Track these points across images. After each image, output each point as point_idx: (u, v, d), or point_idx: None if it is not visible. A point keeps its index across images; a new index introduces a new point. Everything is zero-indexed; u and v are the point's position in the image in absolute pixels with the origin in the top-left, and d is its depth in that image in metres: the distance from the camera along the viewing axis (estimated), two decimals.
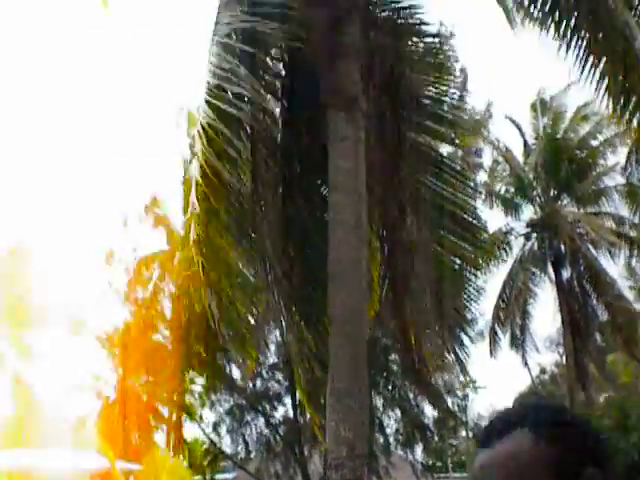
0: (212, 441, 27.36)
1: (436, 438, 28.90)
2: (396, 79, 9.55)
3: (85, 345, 24.44)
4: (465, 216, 9.94)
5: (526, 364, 25.06)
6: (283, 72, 8.81)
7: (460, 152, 18.74)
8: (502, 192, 25.60)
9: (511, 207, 25.29)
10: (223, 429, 27.11)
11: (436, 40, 10.30)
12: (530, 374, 28.45)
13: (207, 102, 7.91)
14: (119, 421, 23.52)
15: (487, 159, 25.80)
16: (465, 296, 10.14)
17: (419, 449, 27.70)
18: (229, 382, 25.46)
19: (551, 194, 25.42)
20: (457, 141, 11.36)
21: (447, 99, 10.33)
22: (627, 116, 8.81)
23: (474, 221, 10.22)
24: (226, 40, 7.98)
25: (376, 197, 9.49)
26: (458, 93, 24.93)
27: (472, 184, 11.23)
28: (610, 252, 23.68)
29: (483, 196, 24.51)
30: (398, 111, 9.61)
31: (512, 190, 25.54)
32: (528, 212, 25.55)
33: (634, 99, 8.57)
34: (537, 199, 25.50)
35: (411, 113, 9.80)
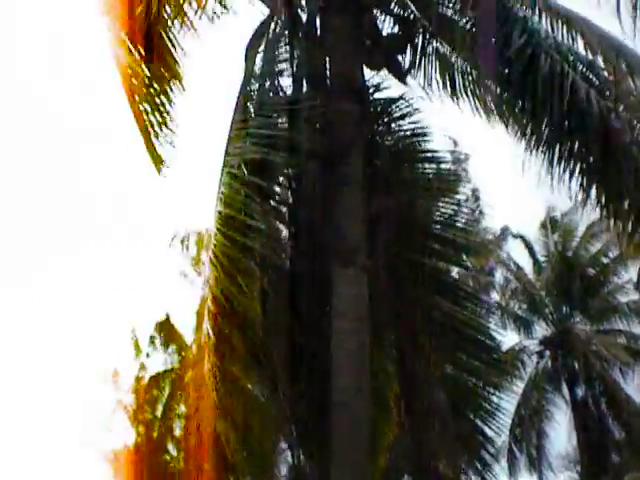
0: None
1: None
2: (402, 205, 9.64)
3: (93, 464, 24.13)
4: (479, 336, 9.91)
5: None
6: (290, 199, 8.95)
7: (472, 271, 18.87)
8: (514, 310, 25.58)
9: (524, 325, 25.25)
10: None
11: (444, 166, 10.41)
12: None
13: (219, 230, 8.08)
14: None
15: (499, 276, 25.85)
16: (483, 415, 10.04)
17: None
18: None
19: (563, 311, 25.40)
20: (468, 264, 11.34)
21: (457, 222, 10.41)
22: (637, 238, 8.85)
23: (488, 341, 10.20)
24: (236, 171, 8.20)
25: (388, 321, 9.52)
26: (470, 216, 25.22)
27: (484, 304, 11.25)
28: (621, 370, 23.52)
29: (496, 315, 24.55)
30: (405, 237, 9.67)
31: (524, 308, 25.53)
32: (541, 330, 25.50)
33: None
34: (549, 317, 25.47)
35: (419, 238, 9.86)
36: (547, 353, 25.11)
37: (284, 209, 8.97)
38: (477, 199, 26.08)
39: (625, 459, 25.98)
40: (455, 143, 14.30)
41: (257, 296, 8.22)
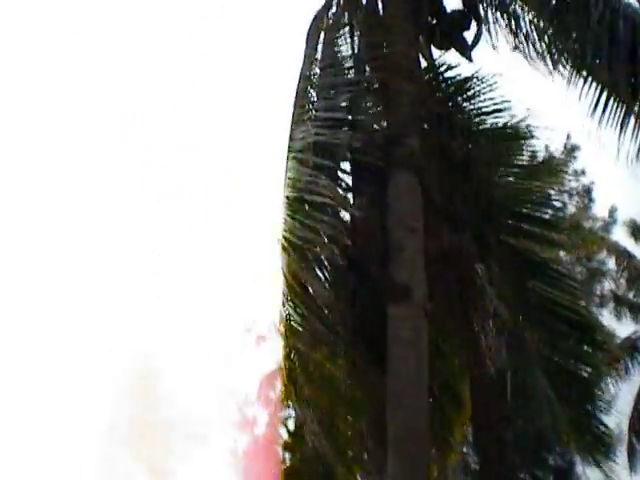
0: None
1: None
2: (480, 185, 9.42)
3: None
4: (580, 318, 9.58)
5: None
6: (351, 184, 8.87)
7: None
8: (630, 298, 24.77)
9: None
10: None
11: (528, 140, 10.02)
12: None
13: (288, 215, 8.09)
14: None
15: (611, 264, 25.10)
16: (594, 405, 9.72)
17: None
18: None
19: None
20: (562, 243, 10.92)
21: (553, 201, 10.16)
22: None
23: (592, 322, 9.92)
24: (302, 155, 8.21)
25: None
26: (580, 201, 24.78)
27: (579, 286, 10.85)
28: None
29: (611, 305, 24.01)
30: (491, 217, 9.46)
31: None
32: None
33: None
34: None
35: (505, 218, 9.63)
36: None
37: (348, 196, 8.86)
38: (589, 188, 25.67)
39: None
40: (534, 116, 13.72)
41: (326, 275, 8.27)
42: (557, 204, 10.93)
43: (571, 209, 23.53)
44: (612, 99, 8.67)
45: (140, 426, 23.62)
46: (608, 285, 24.63)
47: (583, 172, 25.36)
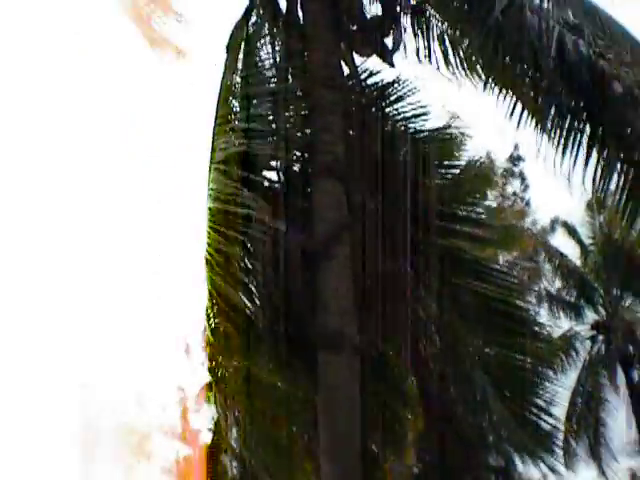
0: None
1: None
2: (408, 188, 9.42)
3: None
4: (518, 312, 9.72)
5: (603, 473, 23.97)
6: (278, 188, 8.84)
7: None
8: (563, 297, 25.07)
9: (574, 311, 24.73)
10: None
11: (449, 142, 10.05)
12: None
13: (211, 228, 8.02)
14: None
15: (546, 265, 25.37)
16: (540, 397, 9.76)
17: None
18: None
19: (614, 294, 24.83)
20: (493, 241, 11.02)
21: (485, 202, 10.23)
22: None
23: (531, 315, 10.02)
24: (223, 166, 8.11)
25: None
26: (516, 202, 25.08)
27: (515, 281, 10.96)
28: None
29: (546, 304, 24.25)
30: (417, 219, 9.47)
31: (573, 294, 25.01)
32: (592, 314, 24.96)
33: None
34: (600, 300, 24.92)
35: (435, 219, 9.64)
36: (600, 338, 24.56)
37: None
38: (526, 187, 26.02)
39: None
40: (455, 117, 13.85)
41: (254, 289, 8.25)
42: (488, 203, 11.04)
43: (506, 210, 23.82)
44: (525, 108, 8.79)
45: (83, 436, 23.33)
46: (544, 285, 24.89)
47: (522, 175, 25.74)
